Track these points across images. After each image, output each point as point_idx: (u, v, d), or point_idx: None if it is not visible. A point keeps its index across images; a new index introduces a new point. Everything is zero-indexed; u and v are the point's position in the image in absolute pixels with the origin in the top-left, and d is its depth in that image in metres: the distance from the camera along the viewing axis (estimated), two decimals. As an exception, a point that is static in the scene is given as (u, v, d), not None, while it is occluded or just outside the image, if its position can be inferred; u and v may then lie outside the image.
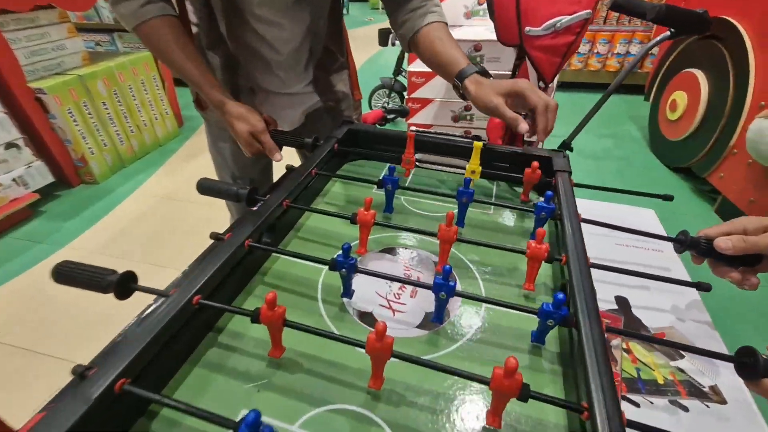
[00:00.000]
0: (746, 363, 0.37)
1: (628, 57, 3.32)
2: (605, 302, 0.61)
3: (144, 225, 2.10)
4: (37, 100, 2.12)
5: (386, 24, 1.92)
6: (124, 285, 0.43)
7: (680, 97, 2.29)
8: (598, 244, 0.70)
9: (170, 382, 0.41)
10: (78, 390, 0.32)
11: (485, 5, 0.94)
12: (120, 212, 2.21)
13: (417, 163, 0.71)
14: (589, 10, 0.84)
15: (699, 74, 2.17)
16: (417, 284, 0.47)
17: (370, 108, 3.11)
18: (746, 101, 1.84)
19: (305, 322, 0.40)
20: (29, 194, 2.13)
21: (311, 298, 0.51)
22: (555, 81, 1.50)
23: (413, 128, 0.74)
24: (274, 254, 0.57)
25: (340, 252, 0.46)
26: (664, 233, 0.75)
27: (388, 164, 0.64)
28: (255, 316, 0.39)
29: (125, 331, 0.43)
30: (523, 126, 0.63)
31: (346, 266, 0.46)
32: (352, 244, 0.46)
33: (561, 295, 0.39)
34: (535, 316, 0.42)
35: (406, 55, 2.61)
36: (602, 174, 2.45)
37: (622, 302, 0.61)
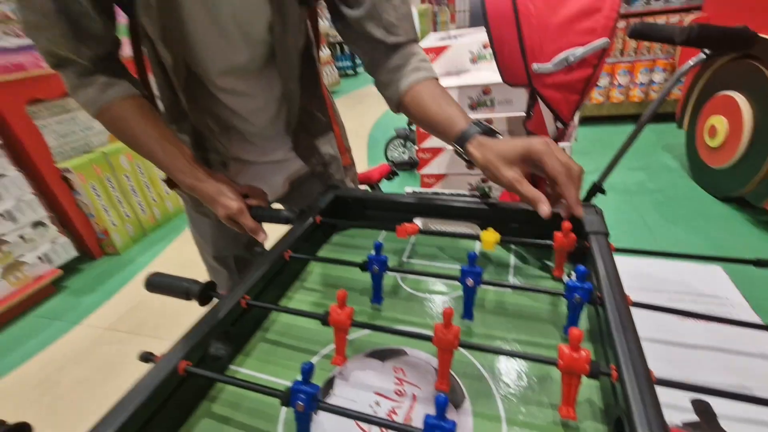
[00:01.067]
0: None
1: (652, 86, 3.18)
2: (678, 410, 0.44)
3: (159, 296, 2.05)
4: (63, 179, 2.21)
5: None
6: (205, 293, 0.43)
7: (719, 122, 2.11)
8: (656, 319, 0.54)
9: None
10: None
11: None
12: (137, 283, 2.18)
13: (420, 232, 0.59)
14: (606, 39, 0.73)
15: (738, 97, 2.00)
16: (413, 400, 0.34)
17: (386, 158, 3.08)
18: (799, 120, 1.64)
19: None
20: (52, 270, 2.16)
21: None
22: (576, 118, 1.39)
23: (409, 191, 0.63)
24: (231, 367, 0.45)
25: (298, 378, 0.33)
26: (743, 301, 0.59)
27: (375, 241, 0.52)
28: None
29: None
30: (545, 209, 0.50)
31: (303, 399, 0.33)
32: (314, 362, 0.34)
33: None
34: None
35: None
36: (639, 211, 2.24)
37: (701, 409, 0.44)
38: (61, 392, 1.53)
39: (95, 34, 0.59)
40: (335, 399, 0.40)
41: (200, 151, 0.75)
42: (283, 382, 0.42)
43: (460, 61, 1.55)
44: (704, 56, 0.83)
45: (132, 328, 1.82)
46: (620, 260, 0.48)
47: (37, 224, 2.10)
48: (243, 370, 0.45)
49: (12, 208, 1.98)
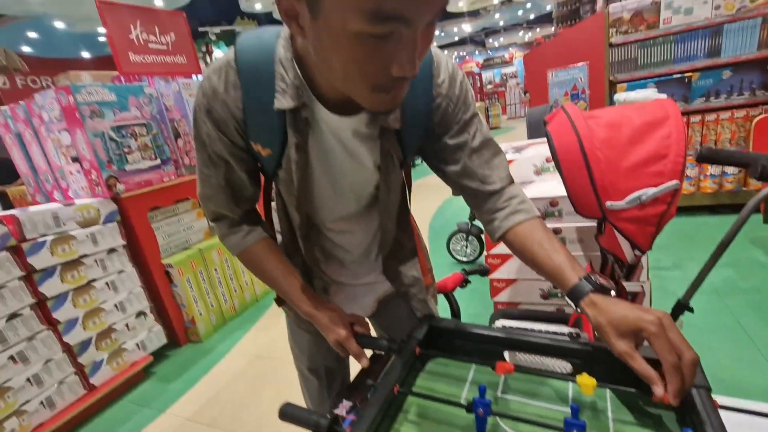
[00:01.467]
0: None
1: (725, 177, 3.07)
2: None
3: (235, 386, 2.15)
4: (165, 273, 2.53)
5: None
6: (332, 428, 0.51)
7: (813, 219, 1.96)
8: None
9: None
10: None
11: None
12: (218, 371, 2.31)
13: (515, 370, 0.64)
14: (676, 181, 0.80)
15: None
16: None
17: (449, 251, 3.16)
18: None
19: None
20: (145, 357, 2.37)
21: None
22: (643, 264, 1.39)
23: (499, 325, 0.69)
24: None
25: None
26: None
27: (479, 384, 0.58)
28: None
29: None
30: (658, 391, 0.51)
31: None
32: None
33: None
34: None
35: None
36: (734, 313, 2.04)
37: None
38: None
39: (247, 198, 0.78)
40: None
41: (307, 277, 0.89)
42: None
43: (525, 174, 1.67)
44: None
45: (209, 422, 1.90)
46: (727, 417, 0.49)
47: (140, 314, 2.38)
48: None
49: (124, 299, 2.28)
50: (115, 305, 2.23)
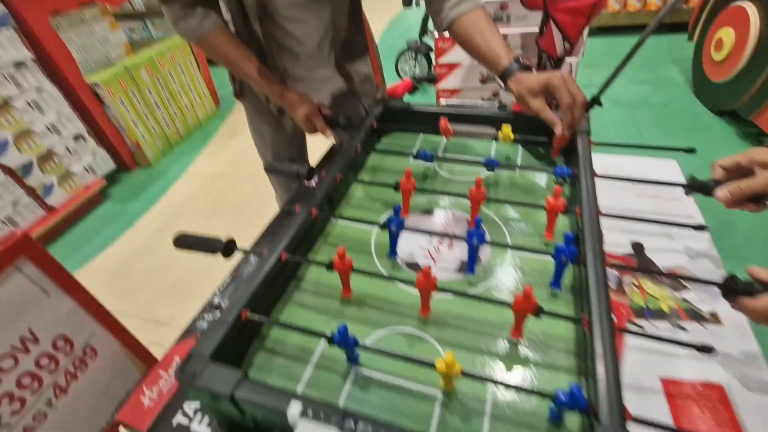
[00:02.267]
0: (728, 285, 0.45)
1: None
2: (622, 247, 0.69)
3: (197, 204, 2.31)
4: (94, 93, 2.32)
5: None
6: (229, 248, 0.56)
7: (727, 35, 2.16)
8: (617, 196, 0.77)
9: (270, 316, 0.54)
10: (219, 318, 0.46)
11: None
12: (175, 192, 2.43)
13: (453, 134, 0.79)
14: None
15: (749, 7, 2.02)
16: (453, 236, 0.58)
17: (397, 71, 3.12)
18: (798, 34, 1.73)
19: (365, 269, 0.52)
20: (98, 180, 2.38)
21: (367, 254, 0.63)
22: (585, 34, 1.49)
23: (444, 102, 0.82)
24: (333, 220, 0.69)
25: (391, 214, 0.57)
26: (684, 182, 0.81)
27: (422, 135, 0.72)
28: (330, 265, 0.51)
29: (235, 278, 0.57)
30: (558, 129, 0.69)
31: (395, 225, 0.57)
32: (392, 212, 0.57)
33: (570, 234, 0.49)
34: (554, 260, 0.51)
35: (431, 15, 2.59)
36: (639, 123, 2.39)
37: (637, 247, 0.69)
38: (134, 280, 1.85)
39: None
40: (404, 235, 0.65)
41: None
42: (374, 220, 0.66)
43: (479, -27, 1.59)
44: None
45: (182, 230, 2.10)
46: (598, 157, 0.69)
47: (78, 137, 2.27)
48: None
49: (55, 121, 2.13)
50: (47, 127, 2.10)
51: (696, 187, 0.58)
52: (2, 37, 1.88)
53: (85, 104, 2.29)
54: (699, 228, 0.60)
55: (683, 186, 0.61)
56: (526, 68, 0.73)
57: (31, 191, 2.06)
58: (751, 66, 2.03)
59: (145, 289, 1.79)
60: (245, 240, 0.63)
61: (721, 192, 0.53)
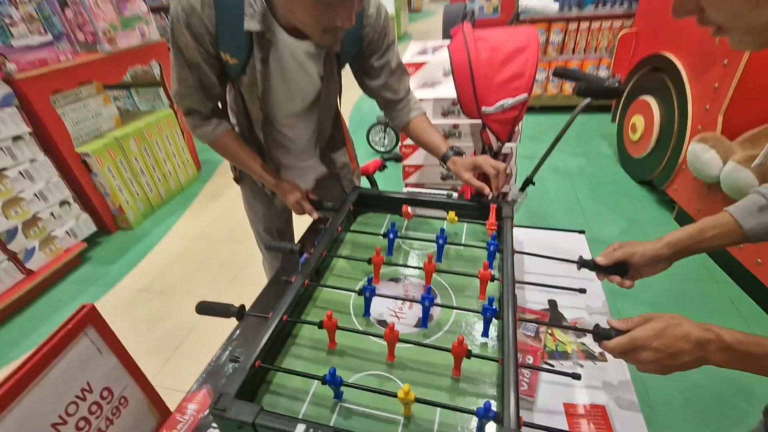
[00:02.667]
0: (595, 332, 0.67)
1: None
2: (540, 304, 0.91)
3: (180, 264, 2.41)
4: (83, 162, 2.47)
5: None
6: (241, 312, 0.74)
7: (638, 121, 2.63)
8: (538, 262, 1.00)
9: (274, 365, 0.71)
10: (239, 366, 0.63)
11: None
12: (157, 254, 2.52)
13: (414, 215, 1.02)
14: (525, 94, 1.16)
15: (651, 101, 2.51)
16: (412, 300, 0.78)
17: (368, 141, 3.46)
18: (687, 125, 2.17)
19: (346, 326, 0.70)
20: (78, 243, 2.46)
21: (347, 314, 0.81)
22: (519, 127, 1.83)
23: (408, 190, 1.06)
24: (319, 287, 0.87)
25: (366, 283, 0.76)
26: (588, 253, 1.06)
27: (389, 215, 0.95)
28: (320, 325, 0.70)
29: (241, 336, 0.73)
30: (486, 191, 0.97)
31: (369, 291, 0.76)
32: (365, 281, 0.77)
33: (491, 298, 0.70)
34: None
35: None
36: (576, 190, 2.77)
37: (552, 303, 0.91)
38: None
39: (216, 95, 0.96)
40: (375, 299, 0.84)
41: (262, 161, 1.14)
42: (351, 288, 0.85)
43: (434, 76, 1.95)
44: (589, 101, 1.28)
45: (164, 290, 2.19)
46: (521, 231, 0.93)
47: (63, 203, 2.38)
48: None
49: (43, 189, 2.25)
50: (36, 195, 2.21)
51: (582, 263, 0.82)
52: (4, 115, 2.04)
53: (74, 172, 2.43)
54: (581, 291, 0.83)
55: (575, 262, 0.84)
56: (459, 153, 1.03)
57: (12, 256, 2.11)
58: (658, 147, 2.47)
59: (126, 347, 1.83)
60: (227, 298, 0.80)
61: (599, 258, 0.78)
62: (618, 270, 0.80)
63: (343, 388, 0.64)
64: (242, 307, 0.75)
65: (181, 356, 1.79)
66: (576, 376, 0.63)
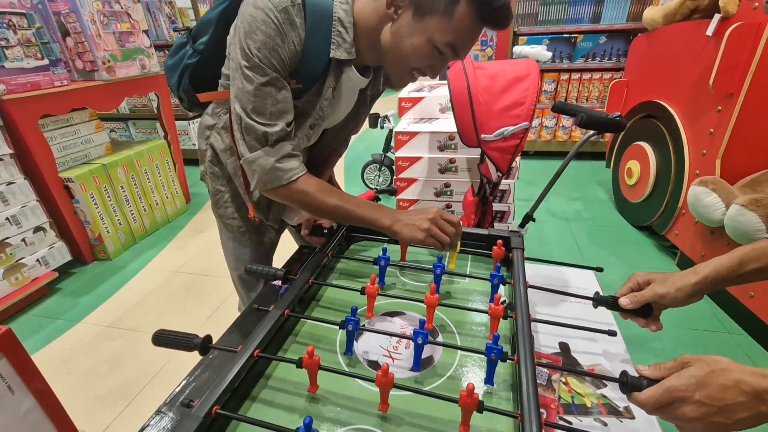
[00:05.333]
0: (622, 381, 0.56)
1: (573, 127, 3.81)
2: (550, 348, 0.80)
3: (155, 298, 2.24)
4: (65, 187, 2.37)
5: (375, 110, 2.27)
6: (205, 345, 0.62)
7: (634, 166, 2.63)
8: (548, 300, 0.90)
9: (238, 412, 0.58)
10: (191, 413, 0.50)
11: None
12: (132, 286, 2.36)
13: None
14: (527, 123, 1.12)
15: (647, 147, 2.53)
16: (404, 337, 0.67)
17: (363, 179, 3.42)
18: (685, 170, 2.16)
19: (331, 367, 0.58)
20: (49, 273, 2.29)
21: (332, 352, 0.69)
22: (518, 161, 1.79)
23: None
24: (302, 319, 0.76)
25: (350, 314, 0.65)
26: (600, 291, 0.96)
27: (352, 307, 0.85)
28: (299, 363, 0.58)
29: (203, 373, 0.61)
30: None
31: (352, 324, 0.65)
32: (359, 309, 0.66)
33: (497, 335, 0.59)
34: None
35: (393, 134, 2.99)
36: (574, 234, 2.70)
37: (563, 347, 0.80)
38: (73, 381, 1.70)
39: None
40: (367, 334, 0.72)
41: (269, 202, 1.05)
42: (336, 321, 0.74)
43: (431, 110, 1.94)
44: (594, 133, 1.24)
45: (134, 326, 2.01)
46: (532, 266, 0.84)
47: (38, 229, 2.24)
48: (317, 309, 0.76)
49: (17, 213, 2.13)
50: (8, 219, 2.08)
51: (601, 301, 0.72)
52: (-14, 135, 1.96)
53: (54, 197, 2.32)
54: (611, 333, 0.72)
55: (592, 299, 0.75)
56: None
57: (-29, 284, 1.95)
58: (655, 191, 2.45)
59: (80, 394, 1.63)
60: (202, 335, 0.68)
61: (623, 300, 0.68)
62: (642, 311, 0.71)
63: (322, 446, 0.51)
64: (207, 338, 0.63)
65: (138, 405, 1.59)
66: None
